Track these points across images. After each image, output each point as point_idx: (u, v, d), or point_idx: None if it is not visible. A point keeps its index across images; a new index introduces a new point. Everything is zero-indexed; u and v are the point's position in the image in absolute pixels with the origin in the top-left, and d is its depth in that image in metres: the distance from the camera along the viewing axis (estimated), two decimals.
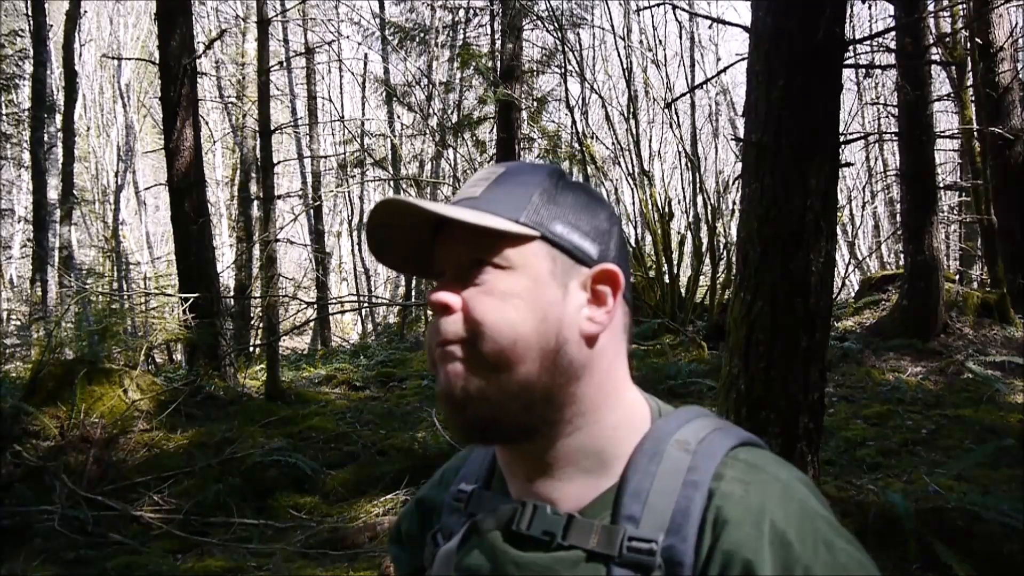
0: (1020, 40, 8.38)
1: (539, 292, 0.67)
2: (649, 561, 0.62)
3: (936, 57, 8.29)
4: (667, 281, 8.64)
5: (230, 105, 14.38)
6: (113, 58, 16.56)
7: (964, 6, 8.47)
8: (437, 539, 0.76)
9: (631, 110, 10.27)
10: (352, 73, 16.28)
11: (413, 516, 0.86)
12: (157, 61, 7.62)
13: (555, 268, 0.69)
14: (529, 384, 0.66)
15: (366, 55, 16.44)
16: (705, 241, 8.87)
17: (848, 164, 3.23)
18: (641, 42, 13.59)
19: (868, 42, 8.58)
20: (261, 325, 8.52)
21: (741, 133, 2.83)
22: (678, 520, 0.63)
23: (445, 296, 0.69)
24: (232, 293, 10.80)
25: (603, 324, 0.69)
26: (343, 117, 13.98)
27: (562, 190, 0.72)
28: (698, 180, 9.45)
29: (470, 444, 0.79)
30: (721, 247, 8.83)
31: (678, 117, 13.06)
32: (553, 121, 13.14)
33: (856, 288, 10.97)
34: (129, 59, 16.02)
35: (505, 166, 0.74)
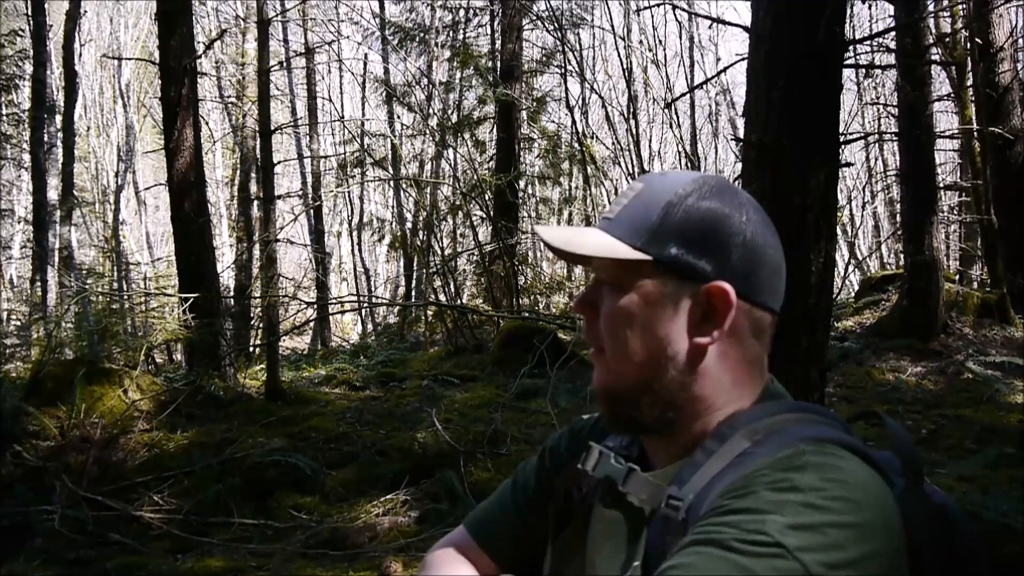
0: (1020, 40, 8.39)
1: (650, 312, 0.74)
2: (675, 516, 0.68)
3: (936, 57, 8.30)
4: None
5: (230, 105, 14.37)
6: (113, 58, 16.55)
7: (964, 6, 8.48)
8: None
9: (631, 110, 10.28)
10: (352, 73, 16.28)
11: (564, 437, 0.94)
12: (157, 61, 7.61)
13: (666, 289, 0.74)
14: (647, 391, 0.75)
15: (366, 55, 16.44)
16: None
17: (848, 164, 3.23)
18: (641, 42, 13.59)
19: (868, 42, 8.58)
20: (261, 325, 8.51)
21: (741, 133, 2.83)
22: (711, 486, 0.67)
23: (577, 304, 0.80)
24: (232, 293, 10.80)
25: (714, 338, 0.74)
26: (343, 117, 13.97)
27: (690, 205, 0.75)
28: None
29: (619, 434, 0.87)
30: None
31: (678, 117, 13.07)
32: (553, 121, 13.14)
33: (856, 288, 10.97)
34: (129, 59, 16.01)
35: (645, 180, 0.79)
